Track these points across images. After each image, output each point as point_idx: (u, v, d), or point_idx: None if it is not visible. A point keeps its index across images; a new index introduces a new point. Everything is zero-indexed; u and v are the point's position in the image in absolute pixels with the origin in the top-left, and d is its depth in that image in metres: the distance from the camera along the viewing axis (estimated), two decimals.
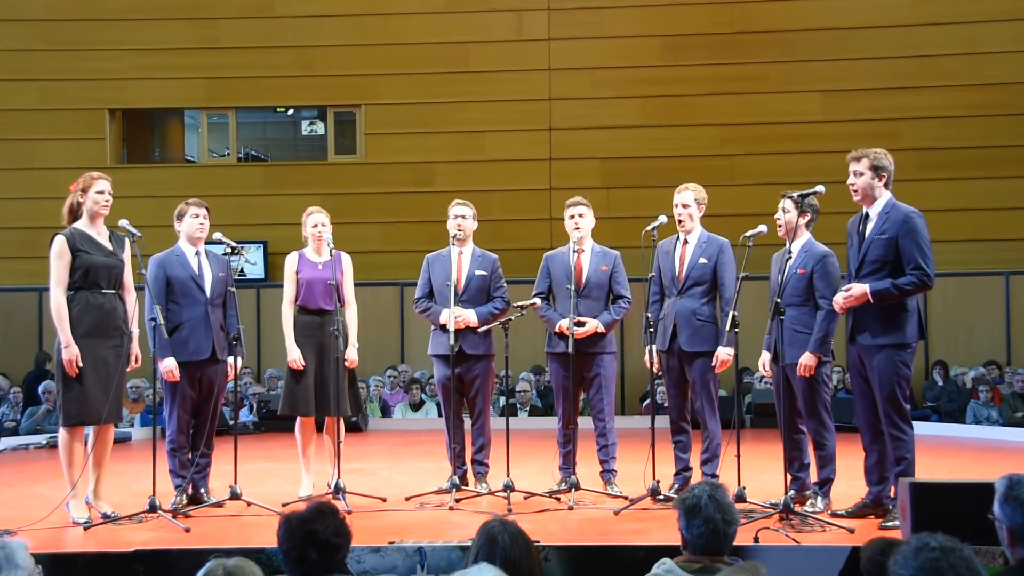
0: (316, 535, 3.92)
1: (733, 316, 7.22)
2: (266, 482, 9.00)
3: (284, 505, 7.46)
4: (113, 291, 7.22)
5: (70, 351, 6.96)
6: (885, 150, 6.82)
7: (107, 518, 7.06)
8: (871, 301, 6.62)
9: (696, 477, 7.75)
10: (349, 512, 7.02)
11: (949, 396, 14.35)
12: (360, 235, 15.23)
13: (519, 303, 7.86)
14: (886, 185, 6.74)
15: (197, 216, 7.78)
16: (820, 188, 6.97)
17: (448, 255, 8.26)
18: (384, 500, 7.85)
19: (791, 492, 6.91)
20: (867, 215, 6.80)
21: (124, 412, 12.53)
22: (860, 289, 6.66)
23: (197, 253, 7.77)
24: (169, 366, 7.49)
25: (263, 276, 16.19)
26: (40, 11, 16.68)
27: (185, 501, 7.58)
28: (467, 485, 8.11)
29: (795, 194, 7.19)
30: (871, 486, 6.88)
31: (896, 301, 6.62)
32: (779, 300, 6.94)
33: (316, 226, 8.09)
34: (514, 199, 16.14)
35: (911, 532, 5.45)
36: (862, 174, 6.75)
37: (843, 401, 12.40)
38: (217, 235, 7.84)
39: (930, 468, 8.70)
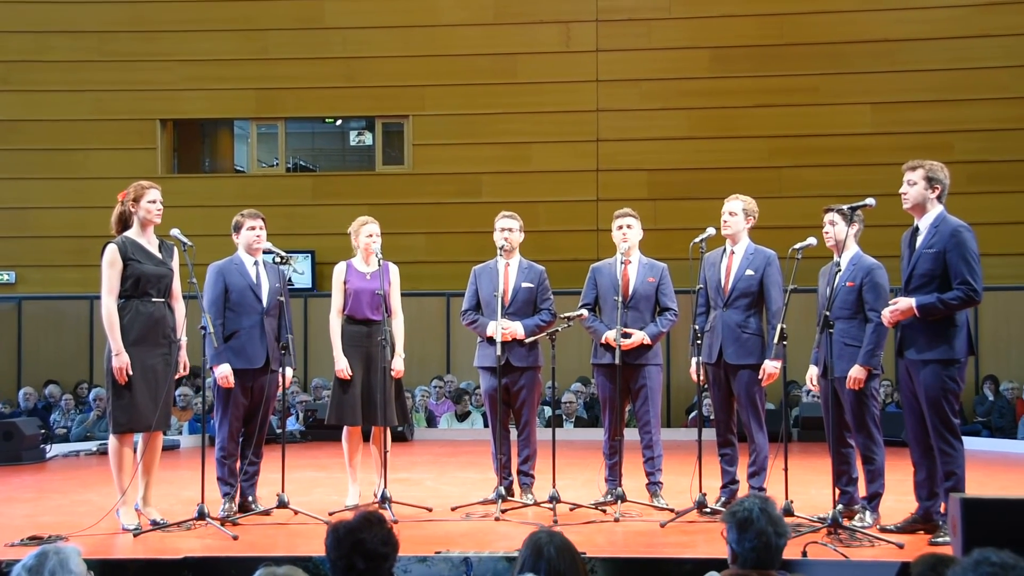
0: (364, 544, 3.93)
1: (781, 329, 7.17)
2: (313, 491, 9.05)
3: (331, 514, 7.48)
4: (163, 300, 7.27)
5: (120, 359, 7.02)
6: (942, 163, 6.76)
7: (156, 525, 7.11)
8: (917, 315, 6.57)
9: (743, 490, 7.71)
10: (395, 522, 7.04)
11: (1000, 411, 14.18)
12: (407, 245, 15.30)
13: (566, 314, 7.85)
14: (939, 198, 6.68)
15: (253, 228, 7.85)
16: (871, 201, 6.87)
17: (495, 267, 8.26)
18: (430, 510, 7.87)
19: (839, 506, 6.85)
20: (918, 228, 6.75)
21: (172, 420, 12.64)
22: (906, 303, 6.61)
23: (256, 263, 7.84)
24: (224, 372, 7.56)
25: (311, 286, 16.30)
26: (93, 24, 16.89)
27: (234, 509, 7.63)
28: (513, 496, 8.10)
29: (845, 207, 7.13)
30: (921, 501, 6.80)
31: (942, 316, 6.55)
32: (828, 313, 6.88)
33: (371, 236, 8.10)
34: (561, 210, 16.15)
35: (962, 548, 5.39)
36: (915, 183, 6.69)
37: (892, 415, 12.28)
38: (266, 244, 7.89)
39: (981, 484, 8.61)
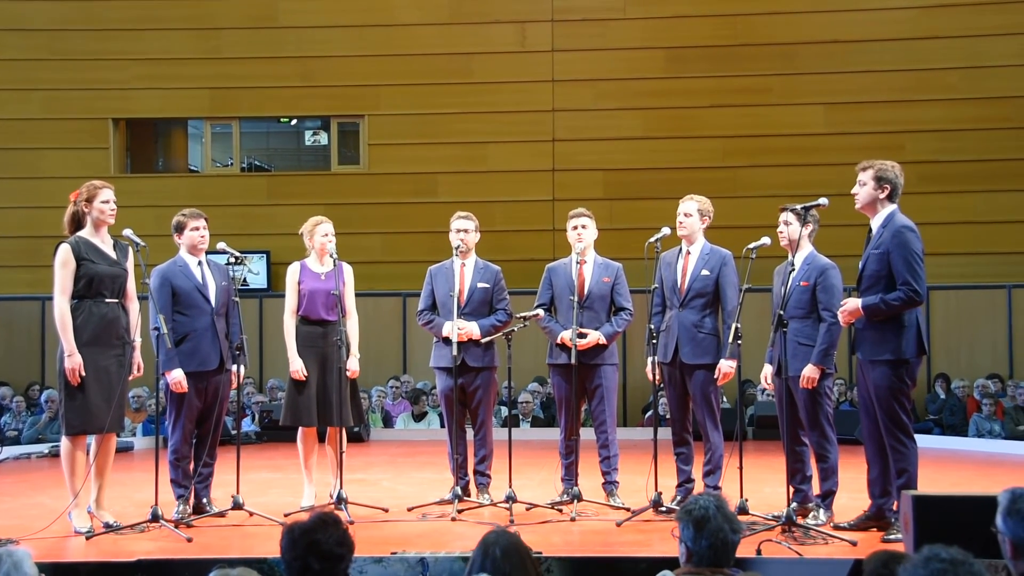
0: (319, 545, 3.92)
1: (736, 328, 7.22)
2: (268, 492, 9.00)
3: (286, 515, 7.45)
4: (116, 300, 7.20)
5: (73, 360, 6.95)
6: (896, 163, 6.81)
7: (109, 528, 7.05)
8: (863, 316, 6.64)
9: (699, 489, 7.73)
10: (351, 522, 7.01)
11: (951, 409, 14.33)
12: (362, 245, 15.27)
13: (521, 314, 7.85)
14: (889, 198, 6.72)
15: (197, 228, 7.75)
16: (823, 200, 6.93)
17: (451, 267, 8.26)
18: (386, 511, 7.85)
19: (793, 504, 6.90)
20: (871, 228, 6.80)
21: (126, 422, 12.53)
22: (853, 304, 6.69)
23: (200, 263, 7.75)
24: (177, 378, 7.46)
25: (266, 286, 16.20)
26: (43, 21, 16.71)
27: (188, 511, 7.57)
28: (469, 496, 8.11)
29: (798, 206, 7.19)
30: (874, 499, 6.86)
31: (887, 316, 6.59)
32: (782, 312, 6.94)
33: (326, 235, 8.07)
34: (517, 210, 16.16)
35: (914, 545, 5.44)
36: (865, 184, 6.74)
37: (845, 413, 12.41)
38: (221, 244, 7.82)
39: (933, 481, 8.69)
